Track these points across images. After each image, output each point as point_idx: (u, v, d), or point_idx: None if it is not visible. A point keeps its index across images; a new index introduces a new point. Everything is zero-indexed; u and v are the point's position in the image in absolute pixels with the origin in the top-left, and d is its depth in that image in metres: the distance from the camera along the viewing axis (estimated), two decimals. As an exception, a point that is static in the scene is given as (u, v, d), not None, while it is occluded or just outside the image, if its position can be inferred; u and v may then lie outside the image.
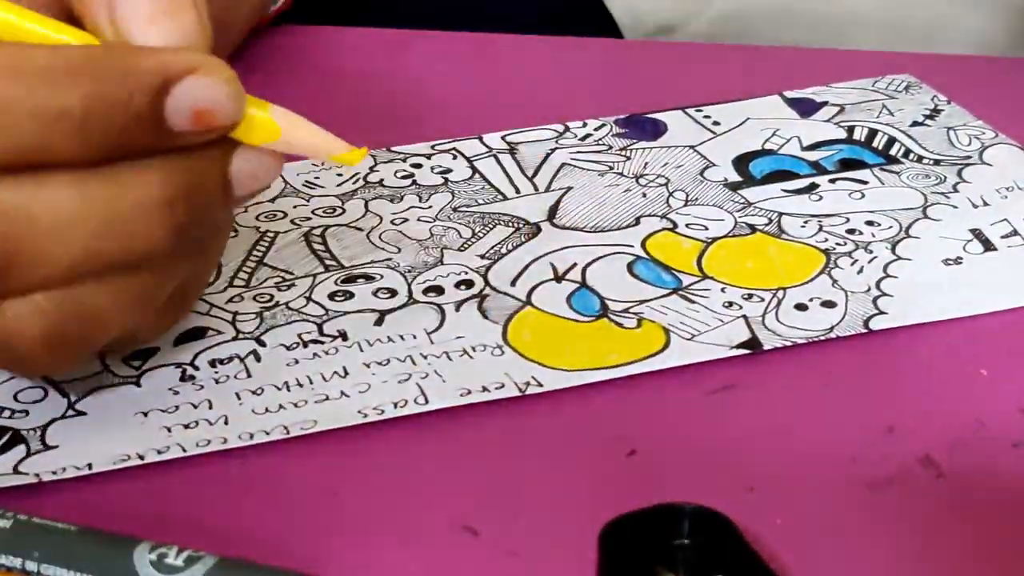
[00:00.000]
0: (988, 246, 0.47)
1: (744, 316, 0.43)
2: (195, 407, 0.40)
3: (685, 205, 0.49)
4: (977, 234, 0.47)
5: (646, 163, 0.52)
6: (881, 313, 0.44)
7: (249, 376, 0.41)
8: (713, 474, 0.38)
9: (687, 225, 0.48)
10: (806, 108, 0.56)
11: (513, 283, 0.45)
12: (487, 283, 0.45)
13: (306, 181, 0.52)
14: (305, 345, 0.42)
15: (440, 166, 0.52)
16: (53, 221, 0.33)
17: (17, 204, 0.33)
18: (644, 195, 0.50)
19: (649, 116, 0.56)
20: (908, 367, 0.42)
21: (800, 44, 0.65)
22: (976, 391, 0.41)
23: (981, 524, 0.36)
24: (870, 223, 0.48)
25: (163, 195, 0.34)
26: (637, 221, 0.49)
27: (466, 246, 0.47)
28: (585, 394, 0.40)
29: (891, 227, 0.48)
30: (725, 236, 0.48)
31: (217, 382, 0.41)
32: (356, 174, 0.52)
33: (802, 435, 0.39)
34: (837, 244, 0.47)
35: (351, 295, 0.45)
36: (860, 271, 0.46)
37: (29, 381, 0.40)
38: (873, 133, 0.54)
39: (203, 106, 0.34)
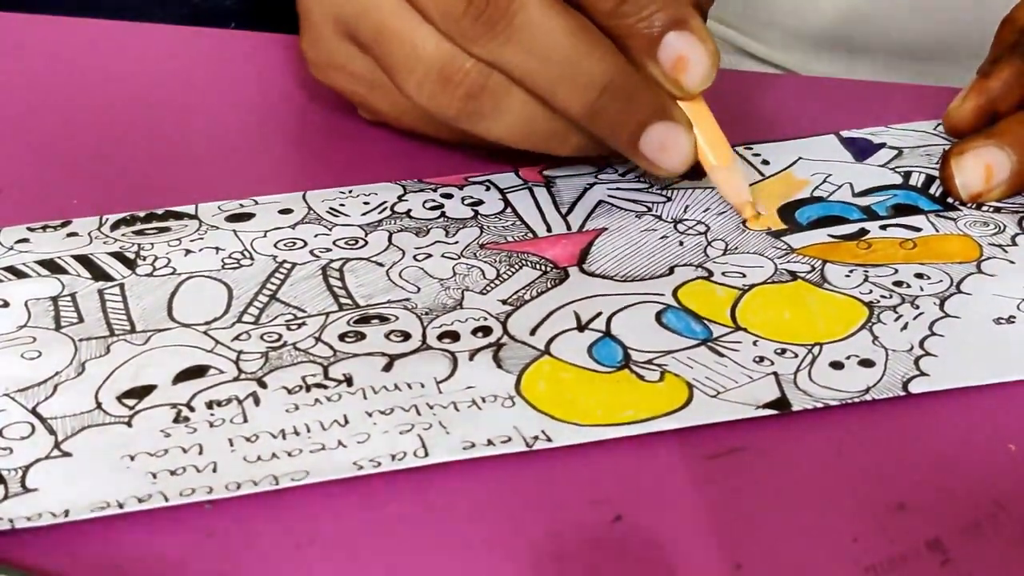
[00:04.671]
0: (1045, 305, 0.44)
1: (775, 373, 0.41)
2: (185, 451, 0.38)
3: (723, 254, 0.47)
4: (1034, 291, 0.45)
5: (687, 206, 0.50)
6: (922, 375, 0.41)
7: (245, 421, 0.39)
8: (700, 547, 0.35)
9: (723, 273, 0.46)
10: (862, 149, 0.53)
11: (533, 332, 0.43)
12: (505, 331, 0.43)
13: (330, 208, 0.50)
14: (308, 389, 0.40)
15: (471, 197, 0.50)
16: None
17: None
18: (681, 243, 0.47)
19: (697, 153, 0.53)
20: (931, 435, 0.39)
21: None
22: (1000, 468, 0.38)
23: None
24: (920, 275, 0.45)
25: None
26: (671, 271, 0.46)
27: (488, 289, 0.45)
28: (572, 447, 0.38)
29: (941, 281, 0.45)
30: (763, 283, 0.45)
31: (212, 426, 0.39)
32: (384, 203, 0.50)
33: (805, 506, 0.37)
34: (882, 297, 0.44)
35: (362, 336, 0.42)
36: (904, 328, 0.43)
37: (17, 417, 0.39)
38: (931, 179, 0.51)
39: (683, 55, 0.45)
